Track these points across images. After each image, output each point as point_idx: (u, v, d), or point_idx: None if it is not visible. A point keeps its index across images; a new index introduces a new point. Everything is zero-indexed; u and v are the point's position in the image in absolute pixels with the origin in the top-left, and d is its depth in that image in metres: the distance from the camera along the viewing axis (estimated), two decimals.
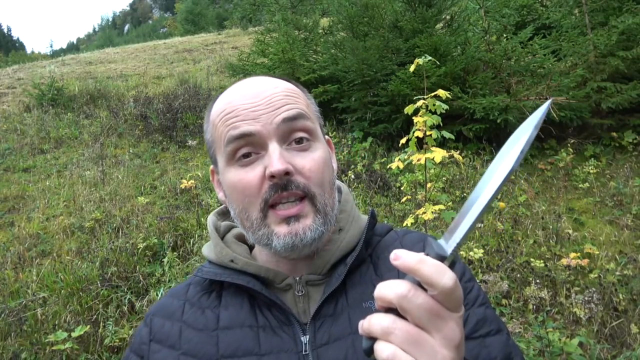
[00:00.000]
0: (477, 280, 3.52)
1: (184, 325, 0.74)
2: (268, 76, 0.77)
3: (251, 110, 0.69)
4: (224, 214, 0.88)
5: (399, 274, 0.71)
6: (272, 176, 0.67)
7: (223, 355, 0.69)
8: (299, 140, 0.71)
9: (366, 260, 0.78)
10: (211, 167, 0.81)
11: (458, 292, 0.45)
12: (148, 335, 0.76)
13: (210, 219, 0.85)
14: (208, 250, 0.81)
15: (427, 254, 0.46)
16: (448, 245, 0.46)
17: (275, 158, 0.66)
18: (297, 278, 0.75)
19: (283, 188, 0.67)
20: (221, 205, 0.87)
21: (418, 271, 0.44)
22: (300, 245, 0.68)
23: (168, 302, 0.79)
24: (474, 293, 0.76)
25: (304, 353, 0.68)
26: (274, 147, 0.68)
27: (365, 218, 0.82)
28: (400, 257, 0.45)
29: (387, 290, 0.45)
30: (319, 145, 0.73)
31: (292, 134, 0.70)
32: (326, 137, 0.80)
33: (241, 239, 0.83)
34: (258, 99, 0.70)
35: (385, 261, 0.77)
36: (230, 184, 0.72)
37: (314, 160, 0.70)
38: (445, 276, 0.43)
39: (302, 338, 0.70)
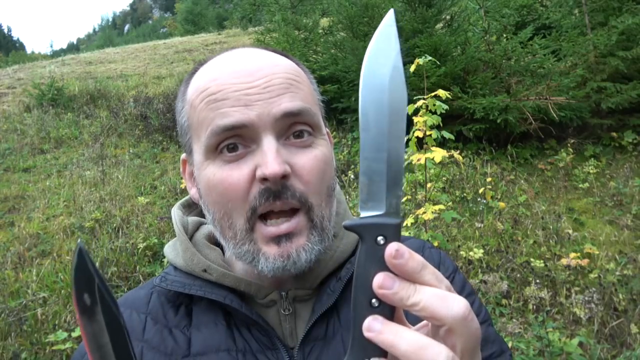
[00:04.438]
0: (478, 280, 3.49)
1: (147, 347, 0.60)
2: (263, 48, 0.62)
3: (244, 93, 0.55)
4: (190, 206, 0.73)
5: None
6: (265, 179, 0.53)
7: None
8: (299, 134, 0.57)
9: None
10: (183, 155, 0.67)
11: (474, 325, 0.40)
12: None
13: (176, 213, 0.69)
14: (174, 253, 0.66)
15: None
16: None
17: (271, 157, 0.53)
18: (284, 293, 0.62)
19: (276, 196, 0.54)
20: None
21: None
22: (293, 269, 0.56)
23: (125, 314, 0.62)
24: (474, 309, 0.66)
25: None
26: (269, 143, 0.54)
27: None
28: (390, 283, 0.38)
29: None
30: (322, 142, 0.60)
31: (291, 126, 0.57)
32: (326, 129, 0.65)
33: (212, 239, 0.68)
34: (253, 79, 0.55)
35: None
36: (209, 183, 0.57)
37: (315, 158, 0.57)
38: (454, 304, 0.38)
39: None
